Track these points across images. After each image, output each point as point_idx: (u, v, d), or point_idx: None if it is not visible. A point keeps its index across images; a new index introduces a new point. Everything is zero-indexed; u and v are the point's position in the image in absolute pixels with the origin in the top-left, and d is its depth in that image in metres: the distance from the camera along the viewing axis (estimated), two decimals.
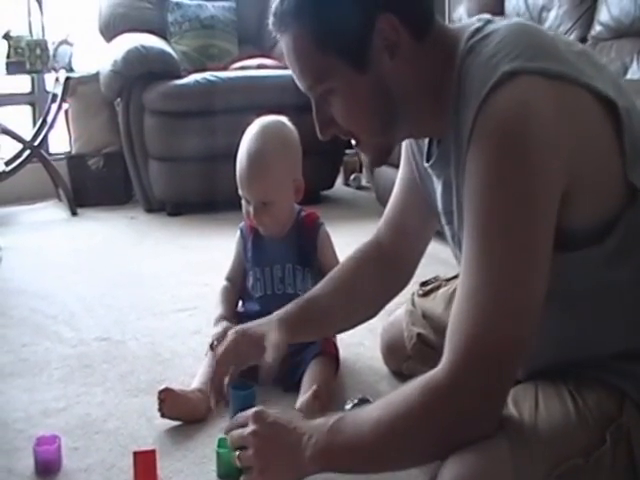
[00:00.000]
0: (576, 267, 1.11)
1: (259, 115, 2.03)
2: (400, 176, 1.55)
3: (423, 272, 1.69)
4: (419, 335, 1.75)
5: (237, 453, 1.26)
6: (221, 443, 1.57)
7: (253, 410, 1.27)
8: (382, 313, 1.89)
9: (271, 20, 1.21)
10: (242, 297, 2.10)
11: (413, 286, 1.78)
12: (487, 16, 1.22)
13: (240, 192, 1.96)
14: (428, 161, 1.32)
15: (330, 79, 1.19)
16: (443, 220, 1.35)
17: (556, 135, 1.05)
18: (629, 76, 2.95)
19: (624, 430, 1.11)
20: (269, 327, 1.56)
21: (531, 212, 1.05)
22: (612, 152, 1.09)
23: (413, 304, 1.80)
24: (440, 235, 1.46)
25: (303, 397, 1.73)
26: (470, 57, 1.14)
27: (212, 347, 1.84)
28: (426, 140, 1.35)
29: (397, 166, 1.52)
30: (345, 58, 1.16)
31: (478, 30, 1.17)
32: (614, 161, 1.10)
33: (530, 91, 1.05)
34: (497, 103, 1.06)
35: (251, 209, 1.94)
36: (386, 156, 1.29)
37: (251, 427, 1.24)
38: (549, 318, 1.08)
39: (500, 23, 1.17)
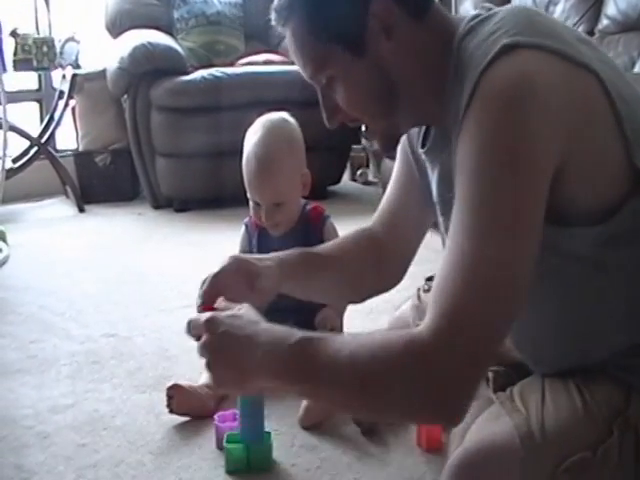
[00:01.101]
0: (574, 242, 1.09)
1: (260, 114, 2.02)
2: (395, 172, 1.55)
3: (429, 268, 1.68)
4: None
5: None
6: (230, 438, 1.58)
7: (205, 317, 1.18)
8: (389, 308, 1.90)
9: (272, 16, 1.24)
10: None
11: (419, 281, 1.78)
12: (489, 5, 1.22)
13: (249, 195, 1.96)
14: (423, 147, 1.32)
15: (330, 66, 1.20)
16: (438, 210, 1.34)
17: (556, 106, 1.03)
18: (636, 69, 2.94)
19: (631, 423, 1.11)
20: (265, 268, 1.47)
21: (522, 177, 1.02)
22: (613, 134, 1.08)
23: (419, 299, 1.79)
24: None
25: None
26: (469, 37, 1.14)
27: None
28: (422, 129, 1.34)
29: None
30: (342, 44, 1.17)
31: (478, 15, 1.17)
32: (616, 143, 1.08)
33: (531, 62, 1.04)
34: (498, 72, 1.04)
35: (262, 212, 1.94)
36: (395, 142, 1.30)
37: (203, 337, 1.16)
38: (548, 302, 1.07)
39: (501, 8, 1.17)
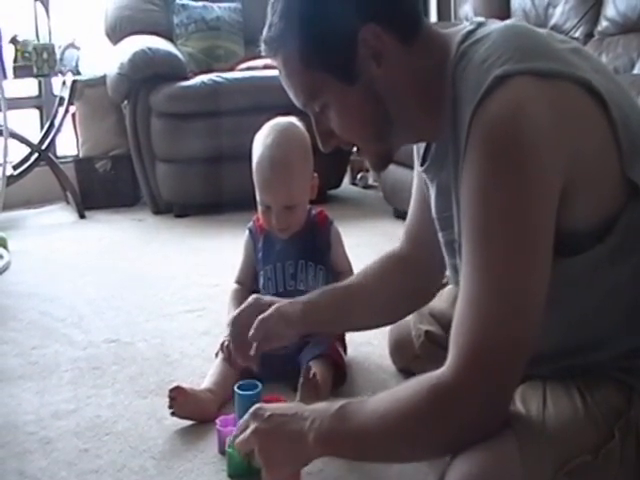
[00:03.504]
0: (580, 270, 1.11)
1: (268, 118, 2.03)
2: (414, 188, 1.57)
3: None
4: (427, 333, 1.75)
5: (247, 458, 1.27)
6: (231, 443, 1.57)
7: (251, 410, 1.27)
8: None
9: (262, 47, 1.25)
10: None
11: None
12: (479, 19, 1.23)
13: (259, 198, 1.96)
14: (422, 165, 1.33)
15: (322, 94, 1.21)
16: (437, 226, 1.36)
17: (551, 135, 1.05)
18: (636, 71, 2.95)
19: (632, 425, 1.11)
20: (288, 316, 1.58)
21: (529, 216, 1.05)
22: (609, 149, 1.09)
23: None
24: None
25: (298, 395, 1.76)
26: (463, 62, 1.15)
27: (223, 347, 1.86)
28: (423, 145, 1.36)
29: (403, 165, 1.54)
30: (333, 73, 1.18)
31: (470, 33, 1.18)
32: (611, 158, 1.09)
33: (522, 92, 1.06)
34: (490, 108, 1.06)
35: (273, 215, 1.94)
36: (386, 162, 1.31)
37: (251, 426, 1.24)
38: (553, 320, 1.09)
39: (492, 26, 1.18)
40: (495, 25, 1.18)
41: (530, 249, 1.05)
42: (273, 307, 1.59)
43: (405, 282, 1.59)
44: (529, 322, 1.05)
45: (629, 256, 1.12)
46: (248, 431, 1.24)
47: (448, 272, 1.42)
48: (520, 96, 1.05)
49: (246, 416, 1.28)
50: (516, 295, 1.05)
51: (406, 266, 1.60)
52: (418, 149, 1.43)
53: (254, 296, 1.66)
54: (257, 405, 1.28)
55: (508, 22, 1.20)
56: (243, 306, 1.63)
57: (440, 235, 1.37)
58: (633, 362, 1.17)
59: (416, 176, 1.54)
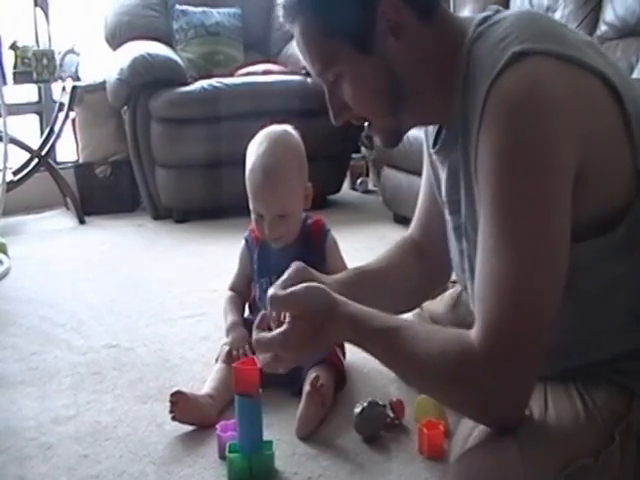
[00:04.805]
0: (588, 258, 1.11)
1: (263, 127, 2.02)
2: (424, 173, 1.56)
3: None
4: None
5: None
6: (232, 448, 1.58)
7: (282, 293, 1.26)
8: None
9: (280, 12, 1.26)
10: (250, 307, 2.10)
11: None
12: (496, 6, 1.23)
13: (252, 207, 1.95)
14: (434, 147, 1.33)
15: (337, 63, 1.21)
16: (447, 210, 1.35)
17: (568, 114, 1.05)
18: (635, 75, 2.94)
19: (633, 429, 1.11)
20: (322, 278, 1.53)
21: (547, 195, 1.05)
22: (621, 140, 1.10)
23: (421, 307, 1.80)
24: None
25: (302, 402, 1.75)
26: (479, 42, 1.16)
27: (232, 354, 1.86)
28: (435, 128, 1.36)
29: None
30: (350, 42, 1.19)
31: (487, 18, 1.19)
32: (623, 149, 1.10)
33: (541, 70, 1.06)
34: (508, 82, 1.06)
35: (265, 224, 1.94)
36: (397, 139, 1.31)
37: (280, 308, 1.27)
38: (559, 313, 1.08)
39: (509, 11, 1.19)
40: (512, 11, 1.20)
41: (549, 229, 1.05)
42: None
43: (421, 269, 1.58)
44: (551, 296, 1.05)
45: (636, 250, 1.12)
46: (279, 301, 1.25)
47: (453, 258, 1.40)
48: (539, 73, 1.06)
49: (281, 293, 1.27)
50: (538, 270, 1.05)
51: (420, 253, 1.59)
52: (428, 133, 1.42)
53: (298, 265, 1.52)
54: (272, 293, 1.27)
55: (525, 9, 1.21)
56: (286, 276, 1.48)
57: (449, 219, 1.36)
58: (633, 364, 1.17)
59: (426, 165, 1.52)
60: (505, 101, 1.06)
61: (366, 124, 1.30)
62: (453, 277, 1.81)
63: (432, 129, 1.38)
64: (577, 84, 1.08)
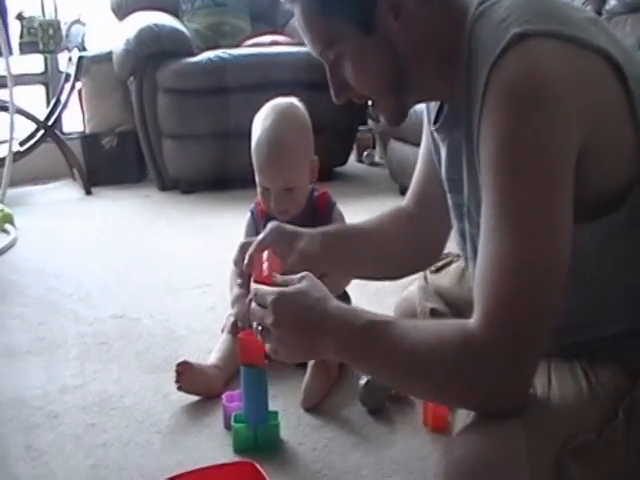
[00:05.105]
0: (591, 238, 1.10)
1: (268, 99, 2.01)
2: (422, 147, 1.56)
3: None
4: (432, 310, 1.75)
5: (259, 328, 1.22)
6: (237, 418, 1.59)
7: (272, 297, 1.19)
8: (395, 289, 1.91)
9: None
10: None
11: None
12: None
13: (258, 181, 1.95)
14: (435, 124, 1.32)
15: (339, 43, 1.21)
16: (446, 187, 1.35)
17: (569, 95, 1.04)
18: None
19: (637, 405, 1.10)
20: (308, 234, 1.53)
21: (549, 176, 1.04)
22: (624, 120, 1.09)
23: (426, 280, 1.80)
24: None
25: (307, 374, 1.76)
26: (480, 21, 1.15)
27: (237, 325, 1.86)
28: (437, 105, 1.35)
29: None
30: (351, 22, 1.18)
31: None
32: (627, 129, 1.09)
33: (542, 52, 1.05)
34: (509, 64, 1.06)
35: (271, 197, 1.94)
36: (401, 117, 1.29)
37: (270, 317, 1.19)
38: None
39: None
40: None
41: (553, 210, 1.04)
42: (296, 253, 1.50)
43: (414, 237, 1.57)
44: (554, 286, 1.04)
45: (634, 232, 1.12)
46: (268, 321, 1.19)
47: (454, 237, 1.40)
48: (540, 54, 1.05)
49: (266, 297, 1.21)
50: (541, 255, 1.03)
51: (414, 222, 1.58)
52: (429, 108, 1.41)
53: (275, 225, 1.54)
54: (279, 293, 1.20)
55: None
56: (264, 235, 1.50)
57: (449, 197, 1.36)
58: (637, 342, 1.17)
59: (425, 135, 1.52)
60: (506, 84, 1.06)
61: (370, 103, 1.30)
62: (454, 252, 1.82)
63: (434, 105, 1.38)
64: (579, 65, 1.07)
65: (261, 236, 1.48)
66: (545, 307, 1.04)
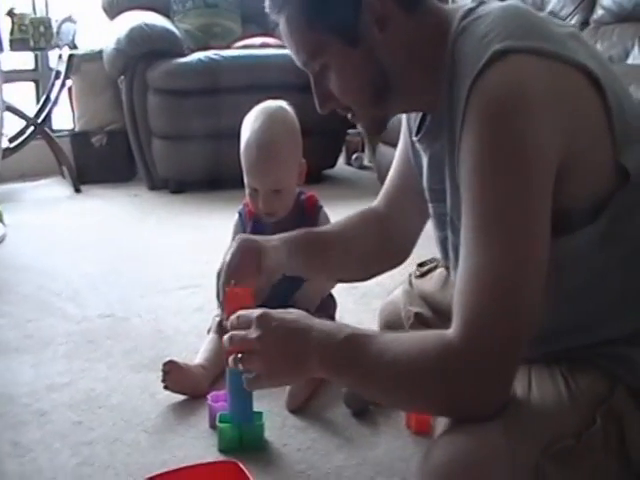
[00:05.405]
0: (570, 251, 1.13)
1: (258, 101, 2.04)
2: (398, 151, 1.57)
3: (420, 253, 1.71)
4: (416, 315, 1.77)
5: (239, 356, 1.23)
6: (222, 418, 1.61)
7: (257, 313, 1.23)
8: (382, 293, 1.92)
9: (267, 3, 1.26)
10: None
11: (410, 267, 1.81)
12: None
13: (247, 182, 1.97)
14: (417, 135, 1.35)
15: (323, 54, 1.22)
16: (427, 197, 1.38)
17: (548, 112, 1.06)
18: (630, 61, 2.95)
19: (615, 412, 1.12)
20: (272, 248, 1.54)
21: (528, 189, 1.06)
22: (603, 134, 1.11)
23: (410, 284, 1.82)
24: None
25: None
26: (463, 35, 1.17)
27: (222, 325, 1.88)
28: (419, 115, 1.37)
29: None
30: (336, 34, 1.20)
31: (471, 10, 1.20)
32: (605, 141, 1.11)
33: (521, 69, 1.07)
34: (488, 82, 1.08)
35: (260, 198, 1.96)
36: (381, 127, 1.32)
37: (255, 332, 1.21)
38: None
39: (492, 4, 1.19)
40: (496, 4, 1.20)
41: (530, 225, 1.06)
42: (265, 271, 1.53)
43: (379, 240, 1.59)
44: (531, 298, 1.07)
45: (618, 243, 1.14)
46: (252, 335, 1.21)
47: (436, 246, 1.42)
48: (520, 71, 1.07)
49: (250, 315, 1.24)
50: (517, 272, 1.06)
51: (381, 225, 1.60)
52: (410, 118, 1.43)
53: (242, 237, 1.57)
54: (264, 311, 1.23)
55: (508, 2, 1.22)
56: (234, 250, 1.53)
57: (430, 206, 1.38)
58: (616, 349, 1.18)
59: (402, 141, 1.54)
60: (486, 99, 1.08)
61: (349, 115, 1.31)
62: (439, 257, 1.84)
63: (415, 115, 1.40)
64: (558, 80, 1.09)
65: (228, 257, 1.51)
66: (523, 317, 1.06)
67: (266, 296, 1.59)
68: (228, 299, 1.47)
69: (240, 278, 1.49)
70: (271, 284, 1.55)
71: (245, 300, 1.43)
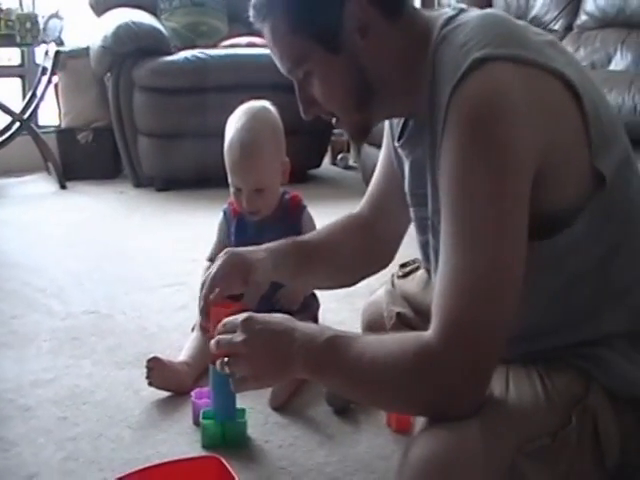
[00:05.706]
0: (547, 254, 1.15)
1: (242, 102, 2.06)
2: (381, 156, 1.59)
3: (403, 253, 1.73)
4: (398, 315, 1.78)
5: (225, 360, 1.24)
6: (205, 415, 1.62)
7: (242, 318, 1.25)
8: (365, 292, 1.94)
9: (251, 12, 1.28)
10: None
11: (393, 267, 1.83)
12: (460, 5, 1.27)
13: (231, 180, 2.00)
14: (399, 140, 1.37)
15: (307, 62, 1.24)
16: (409, 201, 1.40)
17: (527, 119, 1.09)
18: (612, 66, 2.98)
19: (590, 411, 1.14)
20: (258, 262, 1.55)
21: (505, 194, 1.08)
22: (580, 139, 1.14)
23: (393, 285, 1.84)
24: None
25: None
26: (443, 44, 1.19)
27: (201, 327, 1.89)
28: (401, 121, 1.39)
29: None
30: (319, 42, 1.22)
31: (451, 18, 1.22)
32: (581, 147, 1.14)
33: (500, 76, 1.10)
34: (468, 89, 1.10)
35: (243, 197, 1.98)
36: (364, 133, 1.33)
37: (241, 336, 1.23)
38: (520, 304, 1.13)
39: (472, 13, 1.22)
40: (475, 12, 1.22)
41: (506, 229, 1.08)
42: (251, 280, 1.54)
43: (365, 245, 1.61)
44: (507, 293, 1.08)
45: (595, 244, 1.16)
46: (237, 338, 1.23)
47: (418, 249, 1.45)
48: (498, 79, 1.09)
49: (235, 320, 1.26)
50: (494, 270, 1.08)
51: (365, 229, 1.62)
52: (392, 124, 1.46)
53: (229, 252, 1.57)
54: (248, 314, 1.26)
55: (487, 10, 1.24)
56: (221, 263, 1.53)
57: (412, 210, 1.40)
58: (592, 350, 1.21)
59: (384, 146, 1.56)
60: (465, 107, 1.10)
61: (333, 120, 1.33)
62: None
63: (397, 121, 1.42)
64: (536, 87, 1.11)
65: (213, 271, 1.52)
66: (499, 319, 1.08)
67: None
68: (213, 317, 1.46)
69: (226, 288, 1.50)
70: (259, 297, 1.57)
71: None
